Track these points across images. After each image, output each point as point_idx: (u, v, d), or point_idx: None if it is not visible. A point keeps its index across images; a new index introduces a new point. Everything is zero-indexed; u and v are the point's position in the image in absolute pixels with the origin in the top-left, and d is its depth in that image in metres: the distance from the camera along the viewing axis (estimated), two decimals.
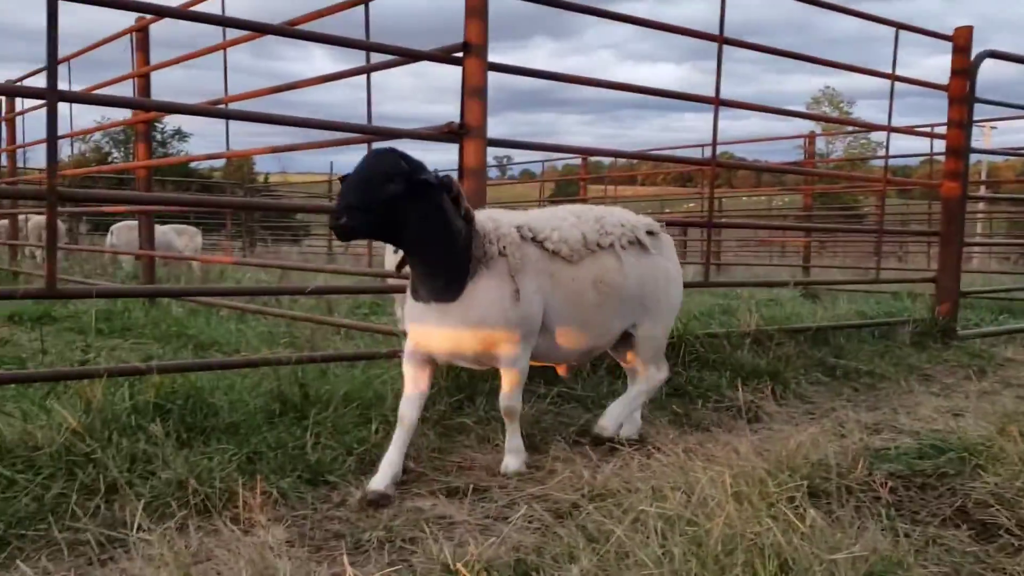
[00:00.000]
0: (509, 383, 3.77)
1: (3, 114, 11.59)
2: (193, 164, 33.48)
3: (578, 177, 18.36)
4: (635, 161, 26.98)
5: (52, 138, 3.70)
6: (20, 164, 13.38)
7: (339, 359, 5.08)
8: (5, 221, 14.28)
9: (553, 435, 4.37)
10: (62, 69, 8.85)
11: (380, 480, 3.52)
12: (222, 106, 6.30)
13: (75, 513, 3.17)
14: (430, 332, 3.65)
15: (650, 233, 4.27)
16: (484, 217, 3.74)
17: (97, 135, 37.37)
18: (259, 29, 4.92)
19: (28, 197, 6.37)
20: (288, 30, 4.92)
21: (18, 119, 11.33)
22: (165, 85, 8.29)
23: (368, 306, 9.95)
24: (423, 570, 2.74)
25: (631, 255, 4.09)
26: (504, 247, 3.65)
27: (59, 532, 3.03)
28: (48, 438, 3.53)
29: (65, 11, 3.80)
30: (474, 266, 3.57)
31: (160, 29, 7.84)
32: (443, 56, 4.88)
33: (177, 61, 7.15)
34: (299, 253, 24.66)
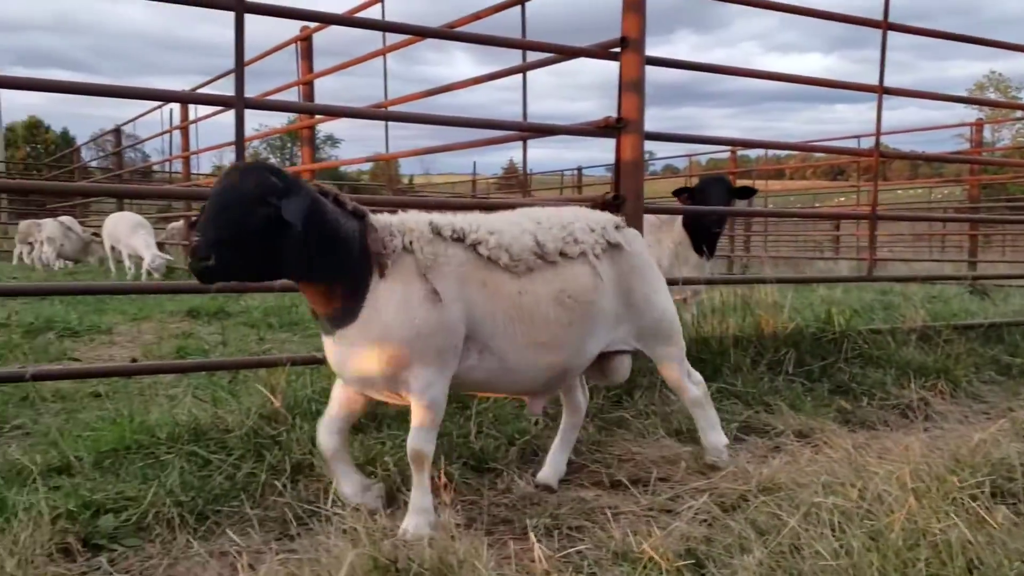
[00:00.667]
0: (419, 417, 3.02)
1: (179, 123, 12.46)
2: (343, 168, 34.83)
3: (725, 172, 18.00)
4: (784, 154, 26.20)
5: (240, 142, 3.98)
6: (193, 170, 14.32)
7: None
8: (180, 223, 15.32)
9: None
10: (229, 79, 9.43)
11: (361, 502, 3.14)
12: (384, 109, 6.55)
13: (264, 491, 3.41)
14: (339, 363, 3.09)
15: (617, 227, 3.63)
16: (384, 216, 3.16)
17: (256, 142, 39.38)
18: (419, 33, 5.09)
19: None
20: (448, 33, 5.08)
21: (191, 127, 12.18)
22: (321, 92, 8.76)
23: None
24: (593, 556, 2.79)
25: (606, 263, 3.48)
26: (410, 242, 3.05)
27: (251, 508, 3.26)
28: (238, 422, 3.80)
29: (230, 23, 4.04)
30: (372, 269, 2.98)
31: (318, 38, 8.22)
32: (601, 52, 4.92)
33: (339, 68, 7.49)
34: None
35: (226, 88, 10.18)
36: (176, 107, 13.12)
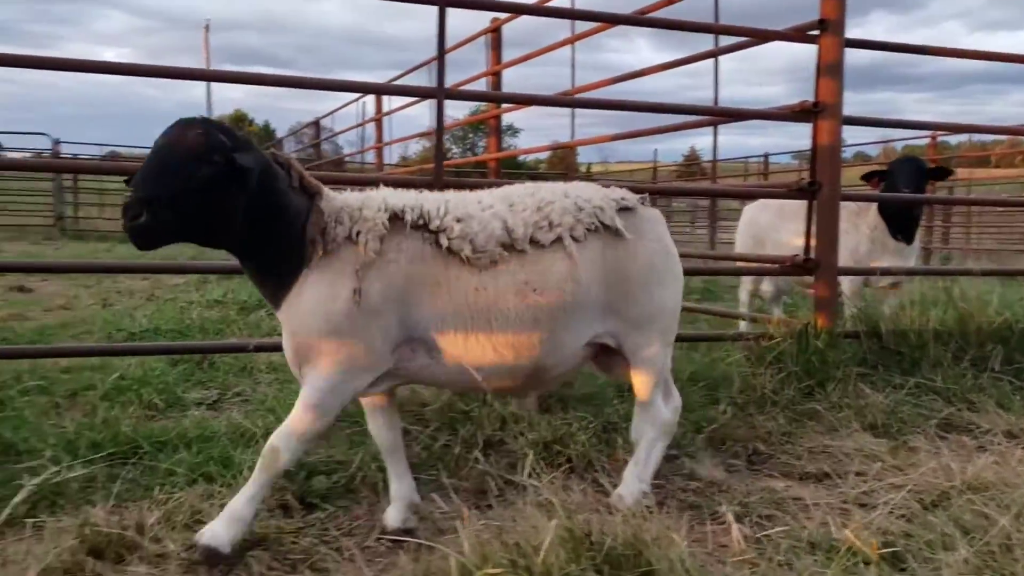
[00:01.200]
0: (297, 416, 2.76)
1: (372, 115, 13.08)
2: (520, 157, 35.37)
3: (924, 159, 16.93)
4: (990, 140, 24.34)
5: (440, 131, 4.17)
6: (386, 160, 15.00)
7: (687, 339, 5.19)
8: None
9: (911, 426, 4.17)
10: (421, 72, 9.81)
11: (389, 517, 3.06)
12: (575, 97, 6.63)
13: (459, 462, 3.58)
14: (284, 347, 2.91)
15: (624, 210, 3.15)
16: (351, 195, 2.95)
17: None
18: (612, 20, 5.12)
19: (418, 187, 7.14)
20: (641, 19, 5.09)
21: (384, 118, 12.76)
22: (503, 82, 8.95)
23: (699, 292, 9.98)
24: (786, 546, 2.76)
25: (593, 247, 3.03)
26: (357, 232, 2.78)
27: (446, 478, 3.44)
28: (434, 396, 4.00)
29: (419, 17, 4.23)
30: (309, 256, 2.76)
31: (505, 28, 8.41)
32: (797, 35, 4.80)
33: (527, 58, 7.64)
34: None
35: (412, 81, 10.59)
36: (369, 100, 13.76)
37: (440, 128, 4.16)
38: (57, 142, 19.85)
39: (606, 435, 3.88)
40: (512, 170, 32.84)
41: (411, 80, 10.54)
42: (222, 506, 2.97)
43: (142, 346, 5.15)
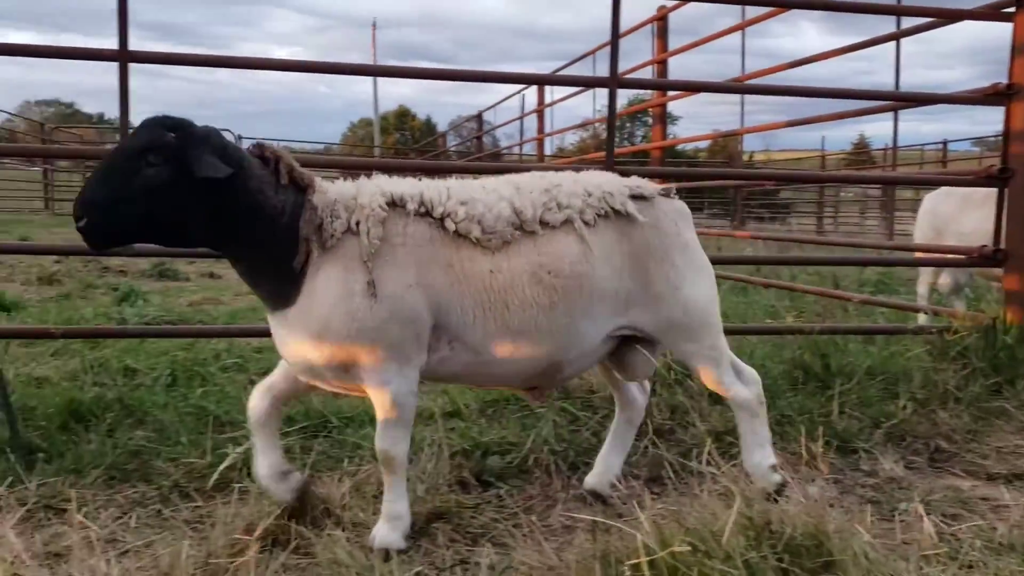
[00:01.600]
0: (382, 415, 2.73)
1: (533, 107, 13.28)
2: (680, 146, 34.81)
3: None
4: None
5: (611, 121, 4.21)
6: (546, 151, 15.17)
7: (865, 332, 5.03)
8: None
9: None
10: (587, 62, 9.84)
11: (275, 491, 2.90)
12: (746, 84, 6.52)
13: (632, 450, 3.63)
14: (280, 345, 2.80)
15: (638, 198, 3.01)
16: (344, 184, 2.84)
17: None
18: (783, 4, 5.01)
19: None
20: (818, 2, 4.92)
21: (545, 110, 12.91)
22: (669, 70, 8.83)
23: (872, 284, 9.58)
24: (973, 544, 2.65)
25: (606, 231, 2.90)
26: (357, 222, 2.68)
27: None
28: (601, 384, 4.05)
29: (577, 8, 4.28)
30: (309, 252, 2.65)
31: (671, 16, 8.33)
32: (991, 13, 4.53)
33: (694, 45, 7.56)
34: (786, 232, 24.40)
35: (573, 71, 10.65)
36: (529, 92, 13.96)
37: (612, 117, 4.20)
38: (239, 138, 21.12)
39: (780, 428, 3.82)
40: (672, 159, 32.45)
41: (572, 71, 10.63)
42: (407, 478, 3.15)
43: None
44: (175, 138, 2.49)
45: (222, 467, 3.09)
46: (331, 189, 2.77)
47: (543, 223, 2.83)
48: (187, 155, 2.46)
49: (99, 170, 2.53)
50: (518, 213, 2.81)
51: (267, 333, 3.59)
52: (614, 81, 4.12)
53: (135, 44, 3.70)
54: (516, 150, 18.84)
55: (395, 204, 2.74)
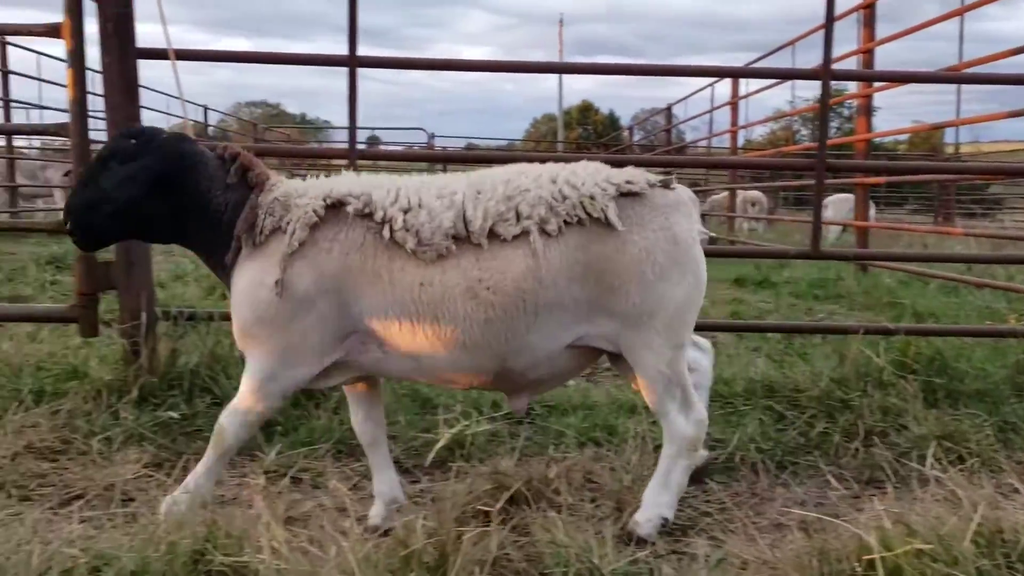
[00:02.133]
0: (240, 397, 2.77)
1: (720, 100, 13.03)
2: (877, 139, 33.06)
3: None
4: None
5: (824, 113, 4.11)
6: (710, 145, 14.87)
7: None
8: (722, 195, 16.05)
9: None
10: (785, 52, 9.57)
11: (373, 514, 3.00)
12: (962, 73, 6.16)
13: (838, 451, 3.55)
14: None
15: (629, 195, 2.77)
16: (297, 183, 2.88)
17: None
18: None
19: (797, 168, 7.07)
20: None
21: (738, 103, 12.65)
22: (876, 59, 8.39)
23: None
24: None
25: (572, 242, 2.69)
26: (287, 222, 2.71)
27: (825, 464, 3.43)
28: (808, 383, 3.97)
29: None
30: (237, 251, 2.77)
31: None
32: None
33: (904, 34, 7.19)
34: (999, 229, 22.70)
35: (767, 63, 10.36)
36: (720, 85, 13.67)
37: (825, 109, 4.09)
38: (432, 136, 21.98)
39: (1003, 435, 3.62)
40: (875, 152, 30.81)
41: (767, 62, 10.36)
42: (612, 469, 3.23)
43: None
44: (134, 144, 2.75)
45: (438, 446, 3.27)
46: (282, 188, 2.82)
47: (493, 235, 2.68)
48: (141, 155, 2.73)
49: (80, 178, 2.83)
50: (466, 224, 2.68)
51: None
52: (827, 72, 4.01)
53: (331, 48, 3.98)
54: (705, 143, 18.51)
55: (337, 206, 2.74)
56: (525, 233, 2.67)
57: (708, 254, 2.93)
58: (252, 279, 2.71)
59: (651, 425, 3.66)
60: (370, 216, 2.70)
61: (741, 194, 15.58)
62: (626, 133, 34.15)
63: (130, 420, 3.62)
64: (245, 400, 2.76)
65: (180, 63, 3.65)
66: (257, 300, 2.68)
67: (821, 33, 4.15)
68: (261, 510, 2.51)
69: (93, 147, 3.89)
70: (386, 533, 2.77)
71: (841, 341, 4.33)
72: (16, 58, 11.74)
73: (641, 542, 2.75)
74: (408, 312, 2.66)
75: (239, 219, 2.75)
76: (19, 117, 13.24)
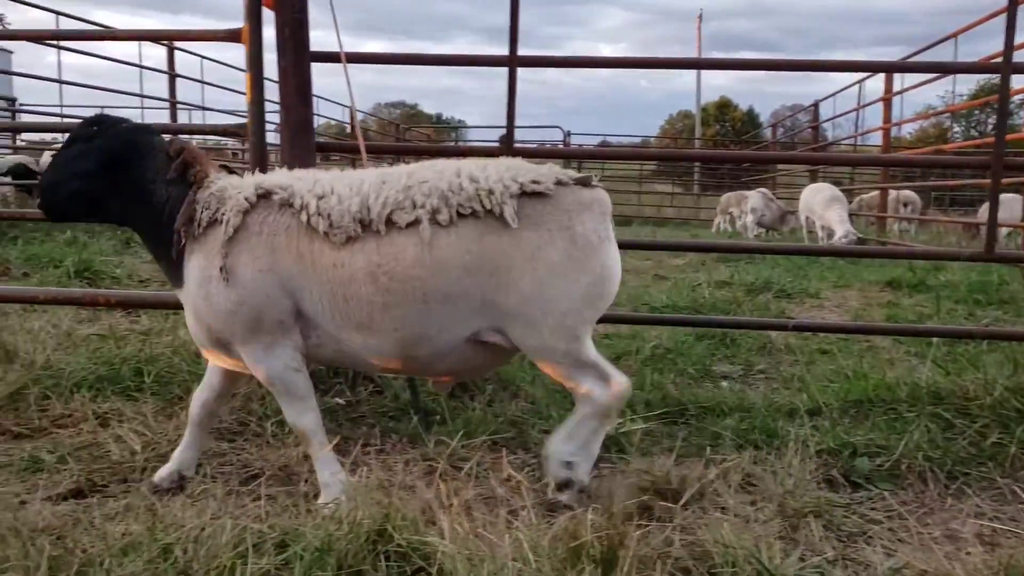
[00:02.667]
0: (273, 392, 3.03)
1: (869, 97, 12.51)
2: None
3: None
4: None
5: (1003, 108, 3.91)
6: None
7: None
8: (872, 195, 15.43)
9: None
10: (946, 45, 9.12)
11: (161, 471, 3.16)
12: None
13: (1014, 463, 3.37)
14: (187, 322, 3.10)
15: (532, 195, 2.85)
16: (233, 179, 3.04)
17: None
18: None
19: (971, 167, 6.77)
20: None
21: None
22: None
23: None
24: None
25: (465, 233, 2.79)
26: (221, 213, 2.88)
27: (1000, 476, 3.27)
28: (980, 391, 3.79)
29: None
30: (180, 244, 2.92)
31: None
32: None
33: None
34: None
35: (921, 57, 9.86)
36: (869, 82, 13.14)
37: (1004, 105, 3.89)
38: (568, 134, 22.04)
39: None
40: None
41: (924, 56, 9.88)
42: (773, 472, 3.18)
43: (678, 318, 5.58)
44: (95, 130, 2.99)
45: None
46: (220, 184, 2.98)
47: (390, 222, 2.81)
48: (93, 141, 2.97)
49: (52, 159, 3.08)
50: (368, 210, 2.83)
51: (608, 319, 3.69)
52: (1008, 66, 3.80)
53: (468, 48, 4.06)
54: (850, 142, 17.82)
55: (265, 196, 2.91)
56: (416, 221, 2.80)
57: (879, 255, 2.86)
58: (199, 273, 2.88)
59: (812, 429, 3.58)
60: (291, 204, 2.89)
61: (893, 193, 14.91)
62: (768, 130, 33.21)
63: None
64: (275, 390, 2.98)
65: (339, 65, 3.82)
66: (209, 292, 2.86)
67: (978, 27, 3.94)
68: (438, 494, 2.61)
69: (269, 148, 4.11)
70: (163, 492, 3.06)
71: (1014, 348, 4.10)
72: (179, 62, 12.37)
73: (558, 490, 2.95)
74: (327, 292, 2.84)
75: (178, 214, 2.93)
76: (182, 118, 14.07)
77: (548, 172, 2.94)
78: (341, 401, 3.92)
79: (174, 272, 2.98)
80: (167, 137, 3.12)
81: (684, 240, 9.89)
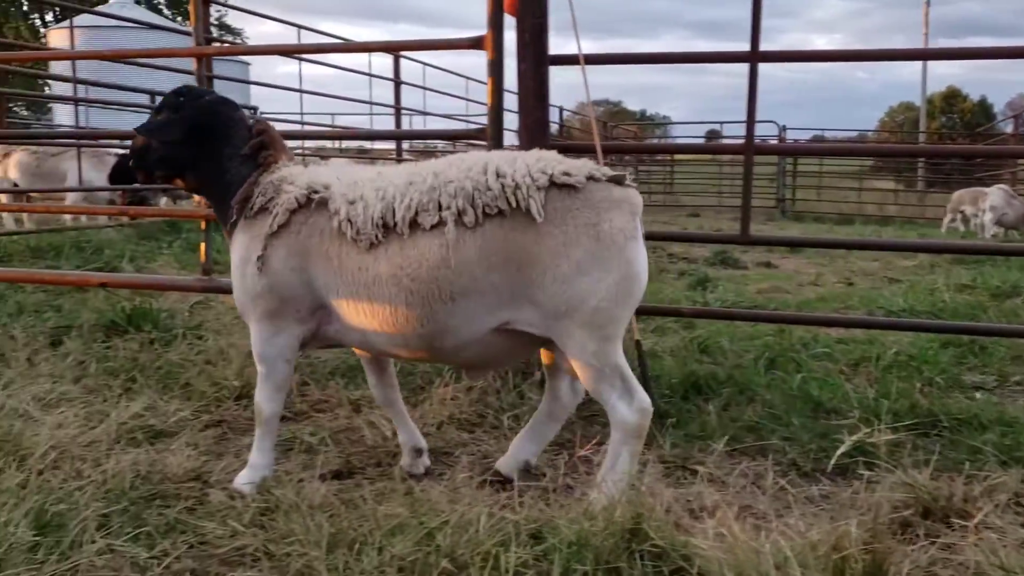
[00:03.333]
0: (258, 372, 3.17)
1: None
2: None
3: None
4: None
5: None
6: None
7: None
8: None
9: None
10: None
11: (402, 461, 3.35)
12: None
13: None
14: None
15: (563, 187, 2.83)
16: (299, 169, 3.16)
17: None
18: None
19: None
20: None
21: None
22: None
23: None
24: None
25: (492, 232, 2.81)
26: (273, 204, 3.03)
27: None
28: None
29: None
30: (234, 219, 3.14)
31: None
32: None
33: None
34: None
35: None
36: None
37: None
38: (783, 129, 21.28)
39: None
40: None
41: None
42: None
43: (921, 323, 5.25)
44: (181, 101, 3.16)
45: (839, 452, 3.16)
46: (280, 173, 3.11)
47: (414, 224, 2.85)
48: (182, 111, 3.13)
49: (142, 125, 3.24)
50: (393, 213, 2.87)
51: (849, 323, 3.48)
52: None
53: (677, 44, 3.96)
54: None
55: (312, 195, 3.01)
56: (440, 223, 2.83)
57: None
58: (242, 256, 3.08)
59: None
60: (327, 207, 2.99)
61: None
62: (1007, 122, 30.52)
63: (534, 399, 3.91)
64: (259, 370, 3.15)
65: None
66: (245, 276, 3.06)
67: None
68: (713, 500, 2.60)
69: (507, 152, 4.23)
70: (413, 477, 3.21)
71: None
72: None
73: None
74: (352, 292, 2.94)
75: (239, 191, 3.11)
76: (404, 123, 14.78)
77: (581, 166, 2.93)
78: None
79: (229, 243, 3.22)
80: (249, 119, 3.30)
81: (918, 240, 9.29)
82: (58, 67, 15.04)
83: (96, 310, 5.36)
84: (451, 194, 2.84)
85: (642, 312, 4.82)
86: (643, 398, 2.91)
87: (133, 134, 3.28)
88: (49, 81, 18.66)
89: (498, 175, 2.84)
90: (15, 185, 11.20)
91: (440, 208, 2.83)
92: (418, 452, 3.34)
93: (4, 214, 11.65)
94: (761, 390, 4.13)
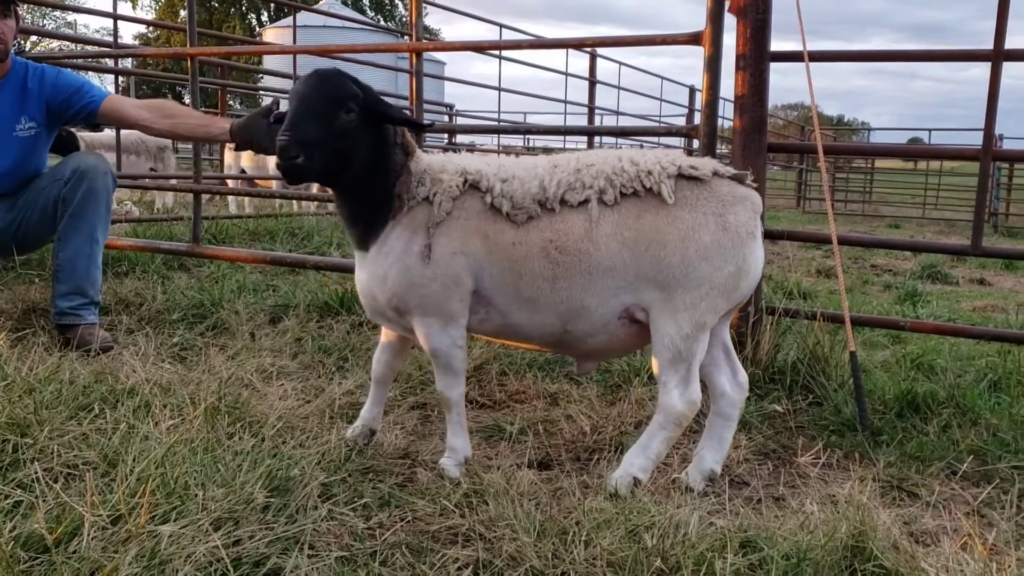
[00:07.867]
0: (433, 362, 3.13)
1: None
2: None
3: None
4: None
5: None
6: None
7: None
8: None
9: None
10: None
11: (352, 428, 3.36)
12: None
13: None
14: (357, 283, 3.23)
15: (688, 178, 2.99)
16: (436, 157, 3.18)
17: None
18: None
19: None
20: None
21: None
22: None
23: None
24: None
25: (628, 211, 2.97)
26: (434, 193, 3.01)
27: None
28: None
29: None
30: (395, 210, 3.02)
31: None
32: None
33: None
34: None
35: None
36: None
37: None
38: (1000, 137, 19.76)
39: None
40: None
41: None
42: None
43: None
44: (360, 90, 2.92)
45: None
46: (424, 160, 3.11)
47: (563, 202, 2.99)
48: (371, 106, 2.92)
49: (305, 115, 2.82)
50: (544, 190, 3.00)
51: None
52: None
53: (886, 48, 3.66)
54: None
55: (466, 182, 3.05)
56: (586, 201, 2.99)
57: None
58: (403, 245, 3.01)
59: None
60: (479, 187, 3.04)
61: None
62: None
63: None
64: (436, 362, 3.12)
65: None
66: (409, 266, 2.99)
67: None
68: (935, 524, 2.45)
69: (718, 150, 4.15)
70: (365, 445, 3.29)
71: None
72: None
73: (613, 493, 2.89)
74: (504, 269, 3.00)
75: (399, 181, 3.04)
76: (597, 122, 14.79)
77: (707, 162, 3.09)
78: (779, 408, 3.84)
79: (367, 235, 3.06)
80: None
81: None
82: (271, 64, 16.04)
83: (310, 291, 5.68)
84: (593, 175, 3.04)
85: (858, 323, 4.61)
86: (696, 390, 3.02)
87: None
88: (264, 76, 20.00)
89: (632, 162, 3.05)
90: (242, 172, 12.09)
91: (584, 187, 3.02)
92: (372, 433, 3.37)
93: (229, 198, 12.64)
94: (986, 413, 3.83)
